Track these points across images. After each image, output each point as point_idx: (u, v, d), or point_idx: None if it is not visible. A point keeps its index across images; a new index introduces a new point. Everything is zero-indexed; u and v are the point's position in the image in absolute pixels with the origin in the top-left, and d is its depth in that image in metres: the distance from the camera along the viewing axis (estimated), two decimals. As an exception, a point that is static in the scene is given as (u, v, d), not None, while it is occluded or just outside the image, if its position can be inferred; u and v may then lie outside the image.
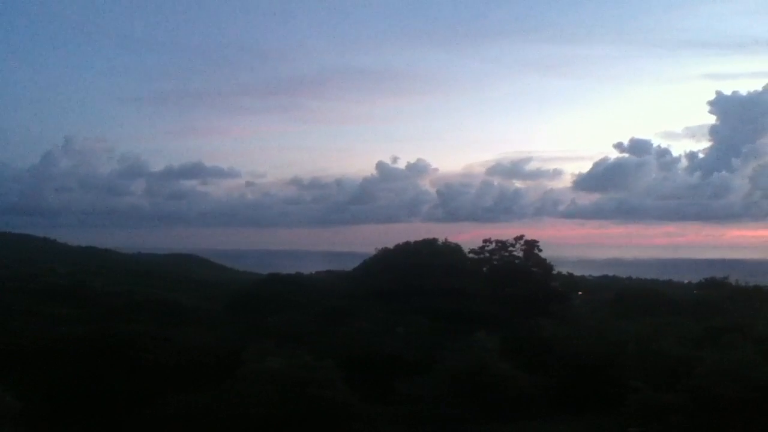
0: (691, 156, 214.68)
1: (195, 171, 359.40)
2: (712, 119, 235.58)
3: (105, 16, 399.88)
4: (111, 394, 27.20)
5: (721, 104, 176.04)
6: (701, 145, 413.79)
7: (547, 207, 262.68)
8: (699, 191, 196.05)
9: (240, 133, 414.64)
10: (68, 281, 58.86)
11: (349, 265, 79.01)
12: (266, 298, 54.35)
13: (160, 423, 23.09)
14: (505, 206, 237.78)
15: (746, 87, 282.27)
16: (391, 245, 71.37)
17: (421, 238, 70.84)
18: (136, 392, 26.55)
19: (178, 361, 29.34)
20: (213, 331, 38.78)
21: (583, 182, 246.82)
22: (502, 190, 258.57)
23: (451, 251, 68.84)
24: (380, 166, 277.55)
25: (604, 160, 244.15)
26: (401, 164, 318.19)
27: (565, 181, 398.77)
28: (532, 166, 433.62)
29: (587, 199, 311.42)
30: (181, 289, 63.83)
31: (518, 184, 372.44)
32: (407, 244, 70.20)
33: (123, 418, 25.48)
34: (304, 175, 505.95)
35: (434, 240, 70.57)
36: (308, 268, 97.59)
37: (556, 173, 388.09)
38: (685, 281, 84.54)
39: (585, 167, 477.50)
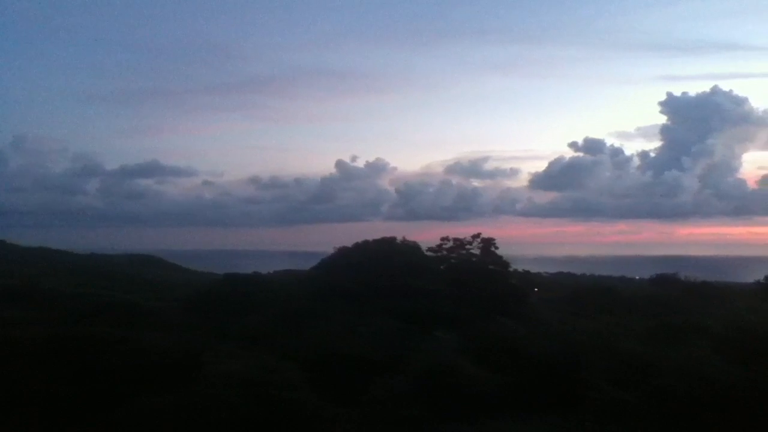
0: (644, 155, 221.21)
1: (151, 170, 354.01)
2: (663, 119, 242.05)
3: (58, 12, 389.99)
4: (66, 399, 26.51)
5: (671, 105, 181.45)
6: (653, 145, 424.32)
7: (505, 206, 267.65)
8: (651, 190, 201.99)
9: (197, 131, 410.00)
10: (20, 282, 57.10)
11: (309, 265, 78.61)
12: (225, 299, 53.61)
13: (118, 427, 22.63)
14: (463, 205, 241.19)
15: (696, 88, 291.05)
16: (350, 244, 71.30)
17: (380, 237, 70.90)
18: (93, 396, 25.96)
19: (136, 363, 28.77)
20: (171, 333, 38.11)
21: (540, 181, 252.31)
22: (460, 189, 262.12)
23: (409, 250, 69.11)
24: (340, 165, 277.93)
25: (560, 159, 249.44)
26: (360, 163, 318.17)
27: (522, 180, 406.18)
28: (490, 165, 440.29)
29: (544, 197, 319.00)
30: (138, 290, 62.57)
31: (476, 183, 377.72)
32: (366, 242, 70.17)
33: (79, 423, 24.89)
34: (263, 174, 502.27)
35: (393, 239, 70.70)
36: (267, 268, 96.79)
37: (514, 172, 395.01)
38: (638, 278, 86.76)
39: (541, 166, 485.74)
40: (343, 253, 70.59)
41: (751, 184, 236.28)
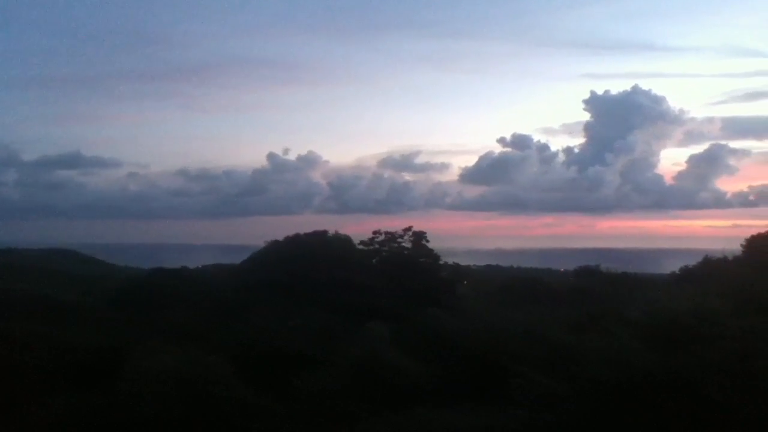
0: (568, 151, 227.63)
1: (73, 160, 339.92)
2: (586, 116, 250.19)
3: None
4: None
5: (594, 103, 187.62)
6: (577, 141, 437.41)
7: (436, 199, 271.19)
8: (575, 184, 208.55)
9: (122, 120, 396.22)
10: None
11: (239, 259, 77.45)
12: (151, 294, 52.21)
13: (41, 427, 21.71)
14: (395, 198, 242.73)
15: (618, 87, 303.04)
16: (281, 237, 70.66)
17: (312, 230, 70.53)
18: (12, 395, 24.77)
19: (58, 360, 27.67)
20: (95, 329, 36.88)
21: (470, 175, 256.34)
22: (392, 183, 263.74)
23: (341, 243, 69.09)
24: (271, 157, 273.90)
25: (489, 154, 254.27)
26: (292, 156, 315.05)
27: (453, 175, 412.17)
28: (421, 159, 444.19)
29: (473, 191, 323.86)
30: (58, 285, 60.06)
31: (408, 176, 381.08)
32: (297, 236, 69.69)
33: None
34: (191, 165, 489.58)
35: (324, 232, 70.50)
36: (195, 262, 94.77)
37: (444, 166, 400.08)
38: (563, 269, 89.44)
39: (471, 161, 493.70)
40: (274, 247, 69.89)
41: (668, 179, 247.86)
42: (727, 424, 16.27)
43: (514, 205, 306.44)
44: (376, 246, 66.12)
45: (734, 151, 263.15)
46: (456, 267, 75.42)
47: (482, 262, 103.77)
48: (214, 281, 64.56)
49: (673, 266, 66.50)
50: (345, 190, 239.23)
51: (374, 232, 66.64)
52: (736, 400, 16.65)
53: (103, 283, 64.79)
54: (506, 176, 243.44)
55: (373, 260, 65.54)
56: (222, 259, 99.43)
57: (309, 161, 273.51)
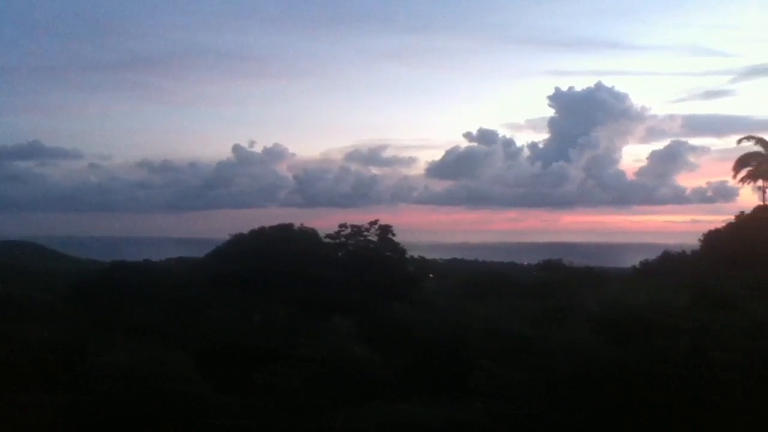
0: (533, 146, 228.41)
1: (32, 151, 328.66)
2: (551, 112, 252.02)
3: None
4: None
5: (558, 99, 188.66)
6: (541, 137, 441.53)
7: (403, 193, 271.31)
8: (540, 179, 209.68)
9: (83, 111, 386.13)
10: None
11: (203, 252, 76.37)
12: (111, 288, 51.19)
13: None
14: (362, 192, 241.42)
15: (582, 84, 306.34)
16: (246, 231, 69.88)
17: (277, 224, 69.86)
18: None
19: (13, 358, 27.01)
20: (52, 325, 36.06)
21: (436, 170, 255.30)
22: (359, 177, 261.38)
23: (307, 236, 68.60)
24: (237, 149, 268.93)
25: (455, 148, 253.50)
26: (258, 148, 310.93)
27: (420, 169, 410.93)
28: (388, 153, 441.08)
29: (439, 185, 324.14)
30: (14, 279, 58.55)
31: (375, 170, 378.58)
32: (263, 229, 68.97)
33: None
34: (154, 157, 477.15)
35: (290, 225, 69.80)
36: (158, 255, 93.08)
37: (411, 161, 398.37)
38: (525, 263, 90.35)
39: (438, 155, 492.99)
40: (238, 240, 69.10)
41: (630, 175, 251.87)
42: (682, 412, 16.70)
43: (479, 199, 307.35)
44: (342, 240, 65.81)
45: (694, 148, 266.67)
46: (422, 261, 75.61)
47: (448, 256, 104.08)
48: (176, 275, 63.59)
49: (633, 260, 67.68)
50: (311, 184, 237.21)
51: (340, 226, 66.34)
52: (690, 389, 17.10)
53: (62, 276, 63.36)
54: (472, 171, 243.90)
55: (339, 254, 65.27)
56: (186, 253, 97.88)
57: (275, 154, 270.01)
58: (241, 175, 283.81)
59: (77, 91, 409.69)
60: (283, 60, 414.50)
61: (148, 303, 46.02)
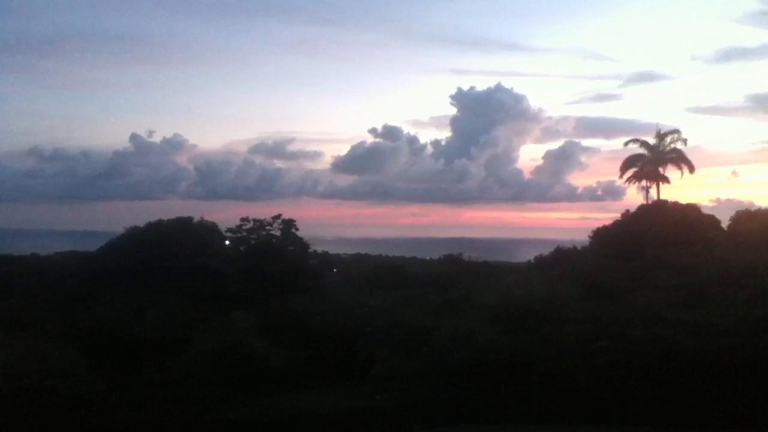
0: (436, 144, 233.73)
1: None
2: (453, 111, 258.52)
3: None
4: None
5: (460, 98, 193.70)
6: (444, 134, 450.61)
7: (308, 187, 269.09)
8: (442, 176, 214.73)
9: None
10: None
11: (96, 246, 72.89)
12: (-7, 282, 48.19)
13: None
14: (266, 185, 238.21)
15: (483, 83, 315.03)
16: (143, 224, 67.29)
17: (175, 217, 67.69)
18: None
19: None
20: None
21: (341, 164, 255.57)
22: (263, 170, 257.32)
23: (206, 230, 66.86)
24: (134, 138, 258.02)
25: (361, 144, 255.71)
26: (157, 138, 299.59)
27: (325, 163, 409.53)
28: (294, 146, 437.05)
29: (344, 180, 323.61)
30: None
31: (280, 164, 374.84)
32: (159, 222, 66.66)
33: None
34: (44, 145, 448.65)
35: (189, 218, 67.77)
36: (48, 249, 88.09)
37: (317, 155, 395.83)
38: (428, 258, 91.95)
39: (343, 150, 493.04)
40: (133, 233, 66.43)
41: (526, 173, 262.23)
42: (568, 396, 17.51)
43: (382, 194, 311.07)
44: (244, 233, 64.64)
45: (585, 149, 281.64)
46: (325, 255, 75.56)
47: (352, 251, 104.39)
48: (66, 269, 60.51)
49: (528, 255, 70.17)
50: (213, 176, 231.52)
51: (242, 219, 65.13)
52: (578, 376, 17.96)
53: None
54: (376, 166, 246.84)
55: (241, 248, 64.11)
56: (78, 246, 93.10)
57: (175, 144, 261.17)
58: (139, 165, 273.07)
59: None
60: (185, 47, 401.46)
61: (33, 297, 43.60)
